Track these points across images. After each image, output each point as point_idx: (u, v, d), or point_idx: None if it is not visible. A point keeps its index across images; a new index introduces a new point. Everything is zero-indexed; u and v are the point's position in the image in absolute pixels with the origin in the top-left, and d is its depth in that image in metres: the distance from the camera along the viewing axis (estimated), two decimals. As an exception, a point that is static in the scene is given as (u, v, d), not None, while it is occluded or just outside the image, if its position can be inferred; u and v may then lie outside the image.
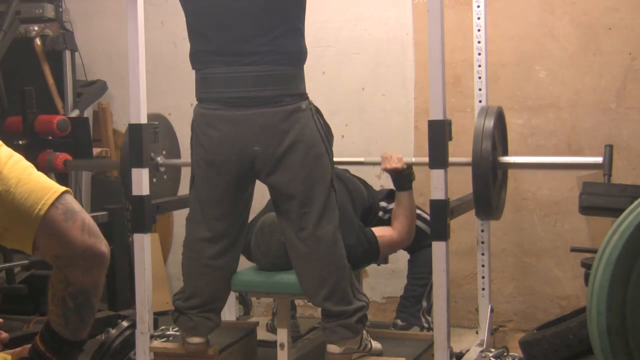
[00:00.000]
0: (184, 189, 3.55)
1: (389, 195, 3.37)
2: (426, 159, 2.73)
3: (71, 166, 3.93)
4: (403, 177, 3.11)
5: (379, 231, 3.09)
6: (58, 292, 1.45)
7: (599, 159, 3.00)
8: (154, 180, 3.35)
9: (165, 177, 3.47)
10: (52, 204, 1.40)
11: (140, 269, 3.05)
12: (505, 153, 3.23)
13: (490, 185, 2.93)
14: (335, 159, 2.83)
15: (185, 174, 3.61)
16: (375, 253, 3.06)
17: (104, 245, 1.44)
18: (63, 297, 1.45)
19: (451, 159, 2.74)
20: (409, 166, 3.12)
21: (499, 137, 3.11)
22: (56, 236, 1.40)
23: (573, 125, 3.85)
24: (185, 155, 3.27)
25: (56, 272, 1.44)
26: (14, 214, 1.39)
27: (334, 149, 2.82)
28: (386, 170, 3.13)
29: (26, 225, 1.39)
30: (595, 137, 3.78)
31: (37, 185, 1.41)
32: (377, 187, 3.70)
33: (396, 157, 3.09)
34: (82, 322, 1.48)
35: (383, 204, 3.34)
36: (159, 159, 3.39)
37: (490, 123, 2.96)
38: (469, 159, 2.94)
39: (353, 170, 3.48)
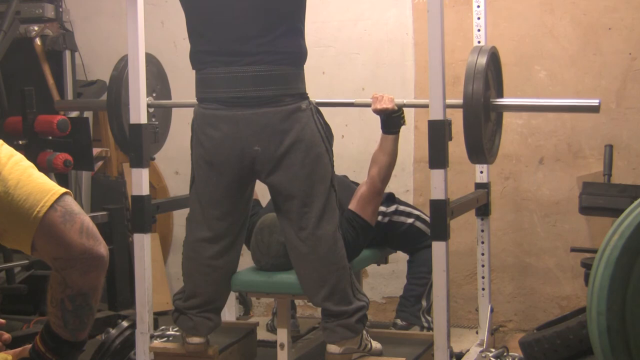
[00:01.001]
0: (181, 158, 3.52)
1: (388, 199, 3.37)
2: (419, 101, 2.65)
3: (57, 106, 3.90)
4: (392, 118, 2.98)
5: (353, 201, 2.99)
6: (56, 294, 1.45)
7: (595, 101, 2.87)
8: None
9: (153, 119, 3.35)
10: (51, 206, 1.39)
11: (140, 269, 3.05)
12: (500, 95, 3.09)
13: (482, 127, 2.80)
14: (325, 100, 2.77)
15: (176, 118, 3.60)
16: (363, 225, 2.97)
17: (102, 248, 1.43)
18: (61, 300, 1.45)
19: None
20: (400, 108, 3.00)
21: (493, 78, 3.00)
22: (54, 238, 1.40)
23: (573, 125, 3.85)
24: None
25: (55, 274, 1.44)
26: (12, 215, 1.39)
27: (334, 149, 2.82)
28: (376, 110, 2.99)
29: (25, 227, 1.39)
30: (595, 137, 3.78)
31: (36, 187, 1.41)
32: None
33: (387, 98, 2.97)
34: (81, 324, 1.48)
35: (382, 208, 3.32)
36: (147, 99, 3.21)
37: (482, 61, 2.83)
38: (460, 101, 2.81)
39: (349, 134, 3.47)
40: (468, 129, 2.80)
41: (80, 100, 4.36)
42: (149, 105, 3.26)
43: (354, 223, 2.96)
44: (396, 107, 2.97)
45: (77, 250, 1.40)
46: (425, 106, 2.69)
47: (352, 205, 3.00)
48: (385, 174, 2.99)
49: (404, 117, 3.02)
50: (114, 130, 3.39)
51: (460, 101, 2.82)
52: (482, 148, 2.84)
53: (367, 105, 3.06)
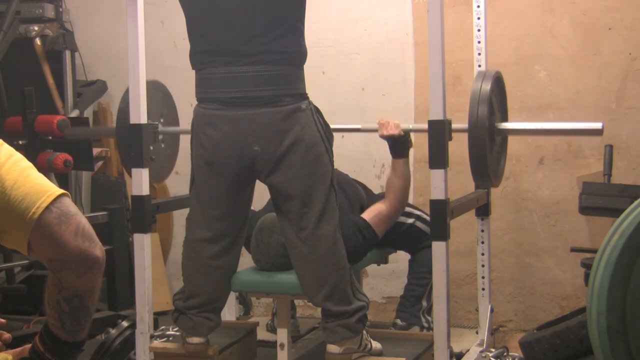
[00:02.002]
0: (181, 158, 3.53)
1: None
2: (423, 126, 2.69)
3: (69, 133, 3.88)
4: (400, 143, 3.07)
5: (369, 213, 3.07)
6: (53, 295, 1.44)
7: (598, 125, 2.91)
8: (151, 148, 3.27)
9: (162, 145, 3.38)
10: (47, 208, 1.39)
11: (140, 269, 3.05)
12: (505, 119, 3.14)
13: (487, 152, 2.84)
14: (333, 126, 2.80)
15: (183, 143, 3.60)
16: (373, 238, 3.03)
17: (98, 250, 1.42)
18: (58, 301, 1.44)
19: None
20: (406, 133, 3.07)
21: (497, 102, 3.04)
22: (49, 240, 1.39)
23: (573, 125, 3.85)
24: (184, 123, 3.22)
25: (51, 275, 1.43)
26: (9, 216, 1.38)
27: (334, 149, 2.82)
28: (383, 137, 3.08)
29: (21, 227, 1.38)
30: (595, 137, 3.77)
31: (33, 187, 1.40)
32: (376, 188, 3.71)
33: (393, 124, 3.05)
34: (79, 325, 1.48)
35: (382, 207, 3.33)
36: (156, 123, 3.26)
37: (487, 87, 2.87)
38: (465, 125, 2.85)
39: (351, 149, 3.44)
40: (474, 154, 2.85)
41: (90, 129, 4.31)
42: (157, 132, 3.29)
43: (365, 233, 3.00)
44: (402, 133, 3.05)
45: (72, 251, 1.39)
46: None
47: (368, 217, 3.05)
48: (403, 196, 3.10)
49: (410, 140, 3.11)
50: (123, 157, 3.36)
51: (465, 125, 2.86)
52: (487, 172, 2.89)
53: (374, 130, 3.15)
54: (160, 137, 3.34)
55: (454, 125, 2.77)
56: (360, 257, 3.04)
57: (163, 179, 3.69)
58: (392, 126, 3.04)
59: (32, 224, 1.38)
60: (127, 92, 3.16)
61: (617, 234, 2.22)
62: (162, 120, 3.36)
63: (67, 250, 1.39)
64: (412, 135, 3.18)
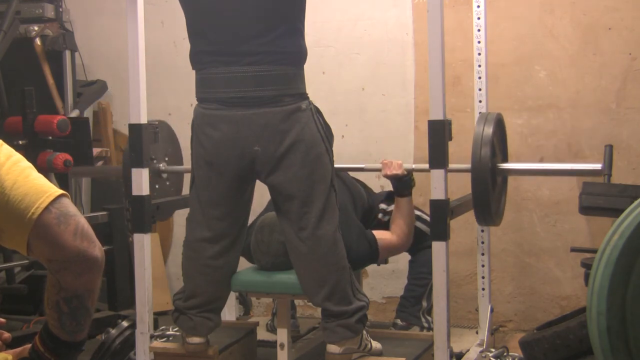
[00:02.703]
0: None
1: (389, 197, 3.37)
2: (426, 165, 2.73)
3: (73, 173, 3.92)
4: (403, 183, 3.12)
5: (379, 234, 3.10)
6: (52, 296, 1.44)
7: (598, 165, 3.03)
8: (157, 186, 3.34)
9: (167, 183, 3.46)
10: (46, 208, 1.38)
11: (140, 269, 3.05)
12: (505, 159, 3.23)
13: (489, 192, 2.92)
14: (335, 165, 2.83)
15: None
16: (375, 254, 3.07)
17: (97, 250, 1.42)
18: (57, 302, 1.44)
19: (450, 166, 2.74)
20: (409, 172, 3.13)
21: (498, 143, 3.11)
22: (48, 240, 1.38)
23: (573, 125, 3.85)
24: (188, 161, 3.26)
25: (50, 276, 1.43)
26: (8, 216, 1.38)
27: (334, 149, 2.82)
28: (386, 176, 3.15)
29: (20, 228, 1.38)
30: (595, 137, 3.78)
31: (32, 188, 1.40)
32: (376, 188, 3.70)
33: (396, 164, 3.10)
34: (78, 325, 1.47)
35: (383, 205, 3.33)
36: (161, 165, 3.38)
37: (489, 130, 2.95)
38: (468, 166, 2.94)
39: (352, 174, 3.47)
40: (476, 194, 2.91)
41: (96, 168, 4.32)
42: (162, 172, 3.39)
43: (372, 249, 3.05)
44: (405, 172, 3.10)
45: (71, 252, 1.39)
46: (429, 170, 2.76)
47: (378, 235, 3.08)
48: (409, 233, 3.14)
49: (413, 179, 3.17)
50: (129, 194, 3.36)
51: (468, 166, 2.92)
52: (490, 212, 2.95)
53: (377, 170, 3.23)
54: (165, 175, 3.43)
55: (456, 166, 2.89)
56: (359, 266, 3.06)
57: (168, 217, 3.74)
58: (395, 166, 3.10)
59: (31, 224, 1.37)
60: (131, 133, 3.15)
61: (617, 234, 2.22)
62: (166, 159, 3.43)
63: (66, 251, 1.39)
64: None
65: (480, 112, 3.28)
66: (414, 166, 3.22)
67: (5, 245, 1.44)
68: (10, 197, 1.38)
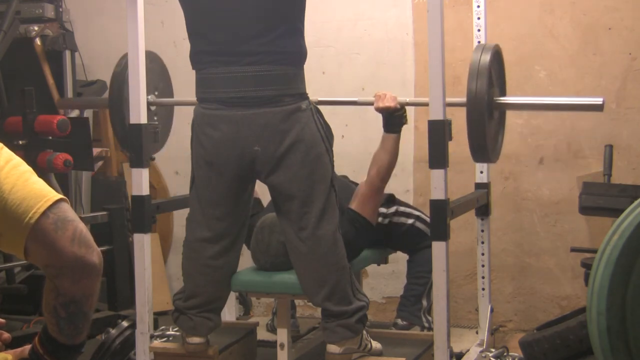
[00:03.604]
0: (181, 158, 3.52)
1: (388, 201, 3.37)
2: (423, 99, 2.65)
3: (59, 104, 3.86)
4: (394, 117, 2.99)
5: (353, 200, 3.00)
6: (50, 300, 1.43)
7: (599, 100, 2.87)
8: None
9: (155, 117, 3.34)
10: (43, 213, 1.37)
11: (140, 269, 3.05)
12: (503, 94, 3.08)
13: (485, 125, 2.80)
14: (327, 98, 2.78)
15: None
16: (365, 225, 2.98)
17: (95, 256, 1.40)
18: (55, 307, 1.43)
19: (446, 99, 2.64)
20: (402, 107, 3.01)
21: (496, 76, 3.00)
22: (45, 245, 1.37)
23: (573, 125, 3.85)
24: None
25: (48, 281, 1.42)
26: (6, 220, 1.36)
27: (334, 149, 2.82)
28: (378, 109, 3.01)
29: (17, 233, 1.37)
30: (595, 137, 3.78)
31: (30, 192, 1.38)
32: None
33: (390, 96, 2.99)
34: (77, 330, 1.46)
35: (382, 209, 3.31)
36: (149, 97, 3.21)
37: (486, 59, 2.83)
38: (463, 99, 2.80)
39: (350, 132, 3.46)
40: (472, 127, 2.79)
41: (82, 99, 4.33)
42: (150, 103, 3.24)
43: (355, 223, 2.96)
44: (398, 106, 2.98)
45: (69, 258, 1.37)
46: (427, 104, 2.68)
47: (353, 205, 3.00)
48: (385, 172, 3.00)
49: (406, 116, 3.03)
50: (115, 128, 3.39)
51: (463, 99, 2.81)
52: (485, 146, 2.83)
53: (370, 103, 3.06)
54: (153, 108, 3.31)
55: (452, 100, 2.72)
56: (357, 250, 3.00)
57: (155, 152, 3.64)
58: (388, 98, 2.99)
59: (28, 229, 1.36)
60: (123, 58, 3.13)
61: (617, 234, 2.22)
62: (156, 93, 3.34)
63: (63, 257, 1.37)
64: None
65: (478, 42, 3.18)
66: (408, 99, 3.08)
67: (3, 250, 1.43)
68: (8, 201, 1.36)
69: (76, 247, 1.38)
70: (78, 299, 1.42)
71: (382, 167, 2.99)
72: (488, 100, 2.82)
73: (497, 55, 3.00)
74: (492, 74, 2.89)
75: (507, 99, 3.05)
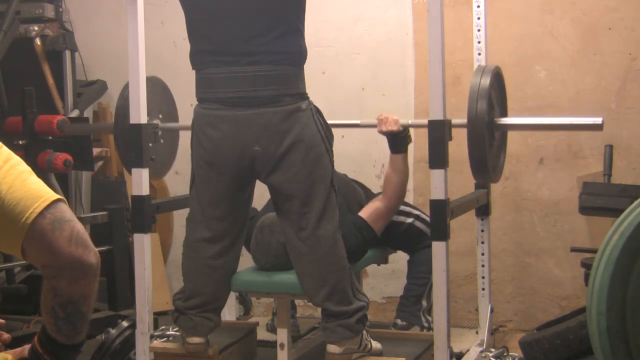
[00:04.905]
0: (181, 158, 3.53)
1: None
2: (423, 121, 2.69)
3: (68, 131, 3.86)
4: (399, 139, 3.08)
5: (366, 211, 3.07)
6: (48, 301, 1.43)
7: (598, 120, 2.91)
8: (151, 145, 3.25)
9: (162, 141, 3.37)
10: (40, 213, 1.36)
11: (140, 269, 3.05)
12: (504, 114, 3.13)
13: (486, 147, 2.84)
14: (331, 121, 2.80)
15: (183, 140, 3.59)
16: (372, 237, 3.04)
17: (92, 256, 1.39)
18: (52, 307, 1.43)
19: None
20: (405, 128, 3.08)
21: (496, 97, 3.02)
22: (43, 246, 1.37)
23: (573, 125, 3.85)
24: (183, 119, 3.21)
25: (45, 281, 1.42)
26: (3, 220, 1.36)
27: (334, 149, 2.82)
28: (382, 132, 3.09)
29: (14, 233, 1.36)
30: (595, 137, 3.78)
31: (28, 192, 1.38)
32: (376, 188, 3.70)
33: (392, 119, 3.06)
34: (75, 329, 1.46)
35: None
36: (155, 121, 3.27)
37: (486, 81, 2.87)
38: (464, 120, 2.84)
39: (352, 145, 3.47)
40: (473, 149, 2.84)
41: (87, 125, 4.30)
42: (155, 127, 3.29)
43: (363, 232, 3.01)
44: (402, 128, 3.06)
45: (66, 258, 1.37)
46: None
47: (365, 215, 3.06)
48: (400, 191, 3.09)
49: (409, 136, 3.11)
50: (121, 153, 3.36)
51: (464, 121, 2.85)
52: (486, 168, 2.88)
53: (373, 125, 3.15)
54: (159, 133, 3.34)
55: (453, 121, 2.76)
56: (359, 256, 3.04)
57: (162, 175, 3.68)
58: (391, 122, 3.05)
59: (25, 230, 1.35)
60: (125, 88, 3.15)
61: (617, 234, 2.22)
62: (160, 117, 3.35)
63: (61, 257, 1.37)
64: (412, 132, 3.18)
65: (478, 65, 3.22)
66: (410, 122, 3.16)
67: (1, 250, 1.42)
68: (6, 201, 1.36)
69: (73, 247, 1.37)
70: (76, 299, 1.42)
71: (396, 186, 3.08)
72: (489, 122, 2.87)
73: (497, 77, 3.04)
74: (492, 96, 2.93)
75: (508, 120, 3.11)
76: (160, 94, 3.39)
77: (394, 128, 3.05)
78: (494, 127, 2.96)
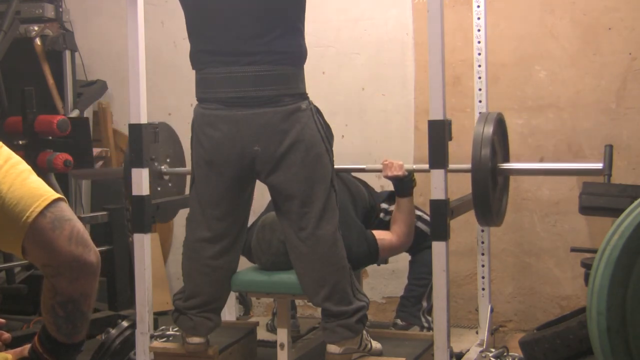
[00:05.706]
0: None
1: (390, 197, 3.37)
2: (427, 166, 2.73)
3: (74, 174, 3.92)
4: (404, 183, 3.13)
5: (379, 234, 3.10)
6: (48, 300, 1.43)
7: (598, 165, 3.03)
8: (159, 188, 3.34)
9: (170, 184, 3.46)
10: (41, 212, 1.36)
11: (140, 269, 3.05)
12: (507, 159, 3.23)
13: (489, 193, 2.93)
14: (336, 166, 2.83)
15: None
16: (375, 255, 3.07)
17: (92, 255, 1.40)
18: (52, 306, 1.43)
19: (451, 166, 2.73)
20: (410, 173, 3.14)
21: (499, 143, 3.11)
22: (43, 245, 1.37)
23: (573, 125, 3.85)
24: (190, 162, 3.24)
25: (46, 280, 1.42)
26: (3, 219, 1.36)
27: (334, 149, 2.82)
28: (387, 177, 3.15)
29: (14, 232, 1.36)
30: (595, 137, 3.78)
31: (28, 191, 1.38)
32: (377, 188, 3.70)
33: (397, 165, 3.11)
34: (75, 329, 1.46)
35: (384, 205, 3.34)
36: (163, 167, 3.39)
37: (489, 129, 2.95)
38: (468, 166, 2.94)
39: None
40: (476, 194, 2.92)
41: (96, 170, 4.34)
42: (163, 173, 3.38)
43: (372, 250, 3.04)
44: (406, 173, 3.11)
45: (66, 257, 1.37)
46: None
47: (379, 238, 3.08)
48: (410, 231, 3.14)
49: (414, 179, 3.17)
50: (129, 197, 3.37)
51: (468, 166, 2.93)
52: (490, 212, 2.95)
53: (378, 170, 3.25)
54: (167, 177, 3.43)
55: (456, 166, 2.88)
56: (358, 266, 3.06)
57: (169, 219, 3.74)
58: (396, 167, 3.11)
59: (26, 229, 1.36)
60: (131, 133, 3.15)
61: (617, 234, 2.22)
62: (168, 161, 3.42)
63: (61, 256, 1.37)
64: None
65: (480, 112, 3.28)
66: (414, 167, 3.22)
67: (2, 249, 1.42)
68: (6, 200, 1.36)
69: (73, 246, 1.38)
70: (76, 298, 1.42)
71: (406, 227, 3.12)
72: (492, 168, 2.94)
73: (499, 124, 3.11)
74: (495, 142, 3.00)
75: (511, 165, 3.22)
76: (167, 139, 3.45)
77: (399, 173, 3.10)
78: (497, 172, 3.05)
